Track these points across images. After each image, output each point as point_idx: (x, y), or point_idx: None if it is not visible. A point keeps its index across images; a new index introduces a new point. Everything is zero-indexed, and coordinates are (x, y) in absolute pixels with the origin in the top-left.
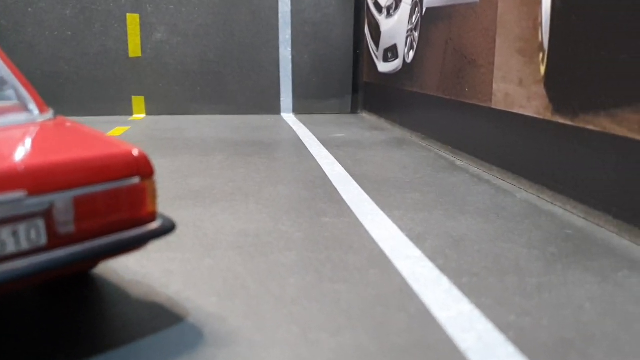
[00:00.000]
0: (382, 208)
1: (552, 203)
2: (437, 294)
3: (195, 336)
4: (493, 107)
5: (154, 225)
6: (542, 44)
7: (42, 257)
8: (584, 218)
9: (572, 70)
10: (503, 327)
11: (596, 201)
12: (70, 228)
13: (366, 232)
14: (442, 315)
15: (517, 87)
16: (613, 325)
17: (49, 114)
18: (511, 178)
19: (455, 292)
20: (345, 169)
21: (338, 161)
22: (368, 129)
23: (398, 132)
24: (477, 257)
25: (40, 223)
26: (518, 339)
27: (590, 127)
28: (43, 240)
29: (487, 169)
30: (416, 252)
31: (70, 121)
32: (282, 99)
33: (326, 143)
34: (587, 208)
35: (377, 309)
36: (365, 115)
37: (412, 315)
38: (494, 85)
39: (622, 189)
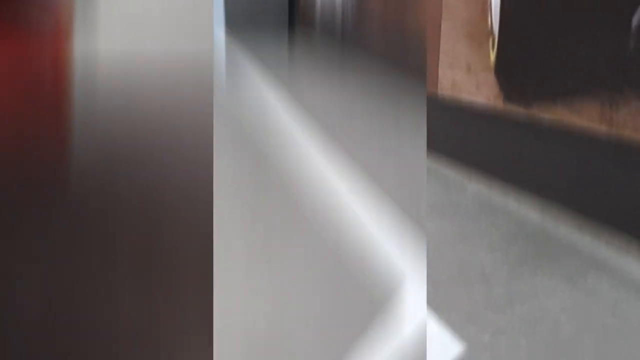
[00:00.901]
0: None
1: (505, 197)
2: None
3: None
4: (439, 94)
5: None
6: (491, 28)
7: None
8: (541, 214)
9: (524, 57)
10: (478, 349)
11: (554, 196)
12: None
13: None
14: None
15: (465, 74)
16: (594, 342)
17: None
18: (461, 170)
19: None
20: None
21: None
22: None
23: None
24: (440, 263)
25: None
26: None
27: (546, 116)
28: None
29: (434, 159)
30: None
31: None
32: None
33: None
34: (544, 203)
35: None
36: None
37: None
38: (440, 72)
39: (583, 182)
